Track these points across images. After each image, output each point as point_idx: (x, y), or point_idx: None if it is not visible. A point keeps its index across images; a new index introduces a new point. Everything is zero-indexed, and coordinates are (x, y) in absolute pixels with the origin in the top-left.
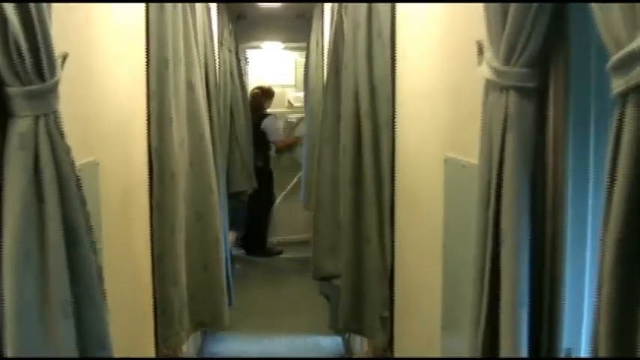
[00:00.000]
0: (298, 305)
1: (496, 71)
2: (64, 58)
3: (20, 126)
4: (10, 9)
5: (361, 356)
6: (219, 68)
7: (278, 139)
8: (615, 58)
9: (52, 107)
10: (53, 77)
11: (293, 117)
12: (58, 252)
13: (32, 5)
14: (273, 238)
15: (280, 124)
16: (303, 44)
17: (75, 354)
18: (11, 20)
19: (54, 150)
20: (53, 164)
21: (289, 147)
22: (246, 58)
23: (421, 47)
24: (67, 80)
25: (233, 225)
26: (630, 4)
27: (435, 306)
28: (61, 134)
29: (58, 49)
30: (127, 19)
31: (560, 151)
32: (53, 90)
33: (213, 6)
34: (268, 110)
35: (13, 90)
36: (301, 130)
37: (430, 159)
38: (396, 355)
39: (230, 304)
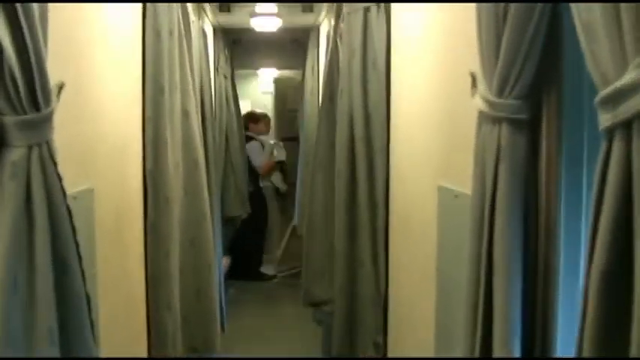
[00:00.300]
0: (292, 331)
1: (489, 103)
2: (61, 87)
3: (13, 155)
4: (5, 39)
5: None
6: (215, 94)
7: (260, 165)
8: (603, 93)
9: (45, 137)
10: (48, 107)
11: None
12: (45, 279)
13: (27, 34)
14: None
15: (262, 148)
16: (299, 71)
17: None
18: (6, 49)
19: (46, 179)
20: (45, 193)
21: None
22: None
23: (415, 76)
24: (63, 107)
25: (227, 250)
26: (618, 40)
27: (428, 332)
28: (54, 163)
29: (54, 77)
30: (123, 46)
31: (552, 181)
32: (47, 120)
33: (210, 32)
34: (260, 135)
35: (7, 119)
36: (279, 155)
37: (424, 186)
38: None
39: (223, 330)
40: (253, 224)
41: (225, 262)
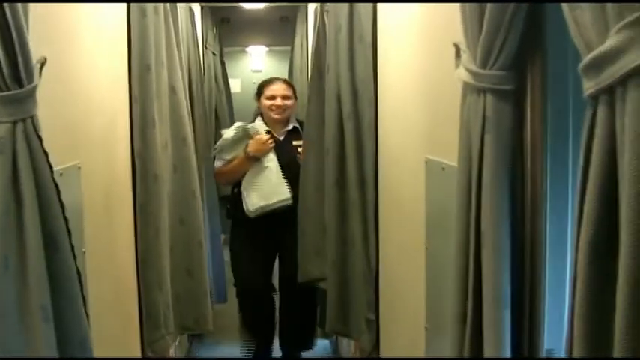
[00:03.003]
0: None
1: (473, 74)
2: (43, 63)
3: None
4: None
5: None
6: (204, 72)
7: None
8: (585, 60)
9: (30, 112)
10: (31, 82)
11: None
12: (37, 256)
13: (8, 11)
14: None
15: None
16: (288, 47)
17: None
18: None
19: (32, 155)
20: (31, 169)
21: None
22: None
23: (402, 50)
24: (49, 85)
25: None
26: (600, 5)
27: (419, 307)
28: (40, 139)
29: (39, 54)
30: (109, 23)
31: (538, 151)
32: (31, 95)
33: (197, 10)
34: None
35: None
36: None
37: (412, 161)
38: (383, 356)
39: (225, 300)
40: None
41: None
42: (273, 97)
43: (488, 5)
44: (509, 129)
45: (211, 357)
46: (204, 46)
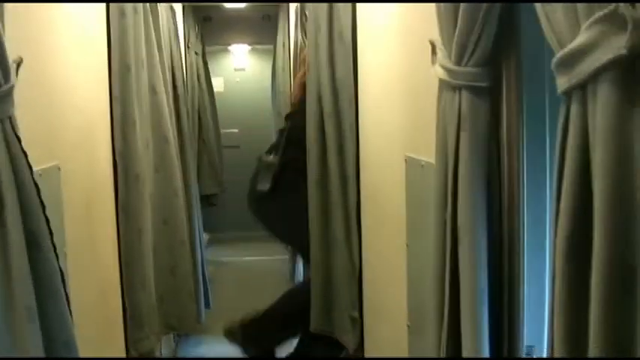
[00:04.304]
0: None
1: (448, 71)
2: (19, 63)
3: None
4: None
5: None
6: (186, 71)
7: None
8: (558, 57)
9: (7, 112)
10: (7, 82)
11: None
12: (20, 256)
13: None
14: None
15: None
16: (270, 46)
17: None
18: None
19: (11, 155)
20: (11, 169)
21: None
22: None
23: (381, 48)
24: (28, 86)
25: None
26: (571, 3)
27: (401, 305)
28: (18, 139)
29: (17, 54)
30: (88, 24)
31: (514, 148)
32: (8, 95)
33: (179, 9)
34: None
35: None
36: None
37: (392, 159)
38: (367, 355)
39: (208, 306)
40: None
41: (205, 238)
42: None
43: (463, 2)
44: (485, 126)
45: (202, 357)
46: (187, 46)
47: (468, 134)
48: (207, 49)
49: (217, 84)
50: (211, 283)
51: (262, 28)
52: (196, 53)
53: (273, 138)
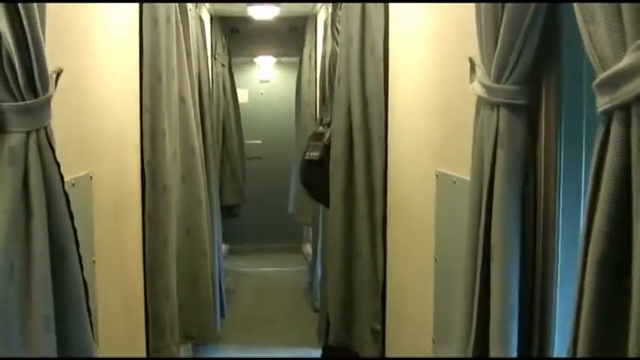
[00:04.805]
0: (289, 318)
1: (487, 88)
2: (59, 74)
3: (11, 141)
4: (4, 26)
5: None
6: (212, 82)
7: None
8: (601, 77)
9: (43, 122)
10: (46, 93)
11: None
12: (43, 267)
13: (25, 21)
14: None
15: None
16: (296, 59)
17: None
18: (4, 36)
19: (44, 165)
20: (42, 179)
21: None
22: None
23: (413, 63)
24: (61, 94)
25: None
26: (617, 22)
27: (426, 319)
28: (52, 150)
29: (53, 64)
30: (121, 34)
31: (551, 167)
32: (46, 105)
33: (207, 20)
34: None
35: (5, 105)
36: None
37: (422, 173)
38: None
39: (223, 316)
40: None
41: (224, 249)
42: None
43: (504, 20)
44: (522, 144)
45: (216, 357)
46: (214, 57)
47: (504, 152)
48: (233, 60)
49: (242, 95)
50: (229, 294)
51: (289, 41)
52: (223, 65)
53: (296, 150)
